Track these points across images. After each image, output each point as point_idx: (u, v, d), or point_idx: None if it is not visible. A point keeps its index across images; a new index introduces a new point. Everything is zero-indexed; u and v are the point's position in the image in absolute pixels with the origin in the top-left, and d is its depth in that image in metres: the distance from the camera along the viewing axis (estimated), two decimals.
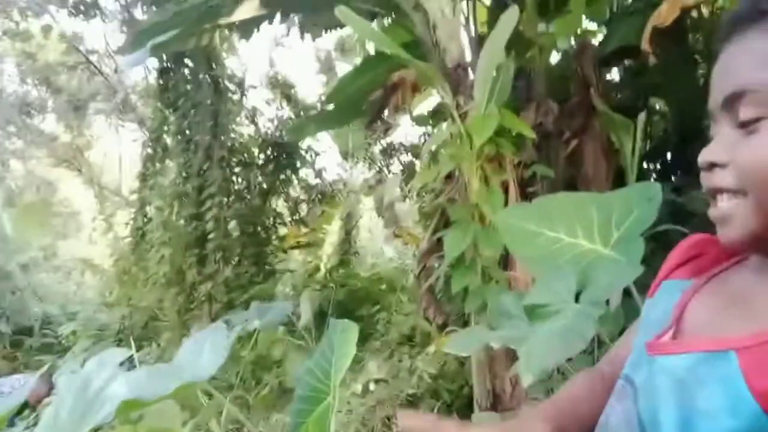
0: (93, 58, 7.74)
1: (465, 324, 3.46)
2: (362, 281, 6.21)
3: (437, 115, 4.50)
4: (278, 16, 4.05)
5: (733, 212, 0.51)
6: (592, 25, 4.62)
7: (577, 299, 1.43)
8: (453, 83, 2.73)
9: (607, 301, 2.05)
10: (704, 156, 0.53)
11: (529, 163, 3.55)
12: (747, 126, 0.49)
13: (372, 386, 3.20)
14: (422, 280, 3.29)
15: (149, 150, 6.26)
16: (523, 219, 1.71)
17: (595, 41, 4.58)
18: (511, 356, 2.40)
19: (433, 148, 2.64)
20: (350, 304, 5.76)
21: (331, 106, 4.87)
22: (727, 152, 0.51)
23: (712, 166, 0.53)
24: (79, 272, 9.85)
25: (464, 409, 3.00)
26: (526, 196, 3.71)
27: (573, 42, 4.47)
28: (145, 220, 6.26)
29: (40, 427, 1.45)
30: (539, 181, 3.76)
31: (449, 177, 2.82)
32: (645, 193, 1.58)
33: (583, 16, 4.21)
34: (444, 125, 2.96)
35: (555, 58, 4.58)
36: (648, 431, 0.54)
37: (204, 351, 1.80)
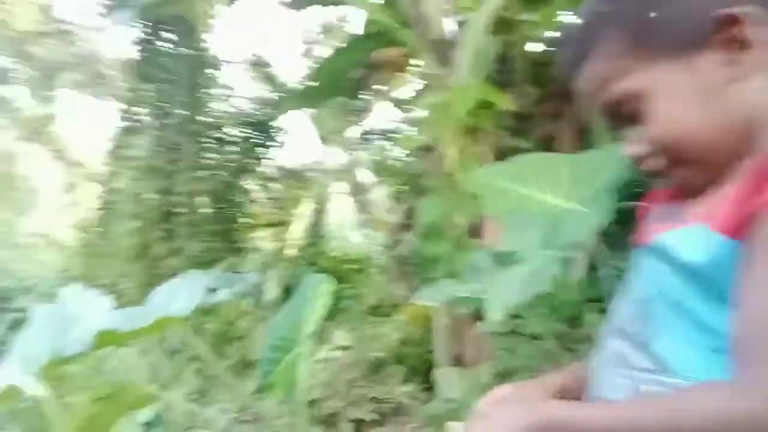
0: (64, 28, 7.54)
1: None
2: (330, 261, 6.26)
3: (418, 98, 4.55)
4: None
5: (684, 177, 0.65)
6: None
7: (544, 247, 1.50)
8: (439, 56, 2.80)
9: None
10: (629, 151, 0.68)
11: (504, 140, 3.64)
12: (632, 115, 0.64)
13: (338, 353, 3.26)
14: (393, 251, 3.36)
15: (123, 123, 6.17)
16: (497, 177, 1.78)
17: None
18: (474, 319, 2.48)
19: (418, 117, 2.72)
20: None
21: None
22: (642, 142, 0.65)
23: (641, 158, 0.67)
24: (38, 248, 9.57)
25: (428, 373, 3.07)
26: None
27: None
28: (114, 192, 6.18)
29: (13, 353, 1.45)
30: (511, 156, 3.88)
31: (427, 149, 2.89)
32: (615, 155, 1.65)
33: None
34: (428, 97, 3.04)
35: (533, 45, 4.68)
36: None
37: (179, 295, 1.81)
